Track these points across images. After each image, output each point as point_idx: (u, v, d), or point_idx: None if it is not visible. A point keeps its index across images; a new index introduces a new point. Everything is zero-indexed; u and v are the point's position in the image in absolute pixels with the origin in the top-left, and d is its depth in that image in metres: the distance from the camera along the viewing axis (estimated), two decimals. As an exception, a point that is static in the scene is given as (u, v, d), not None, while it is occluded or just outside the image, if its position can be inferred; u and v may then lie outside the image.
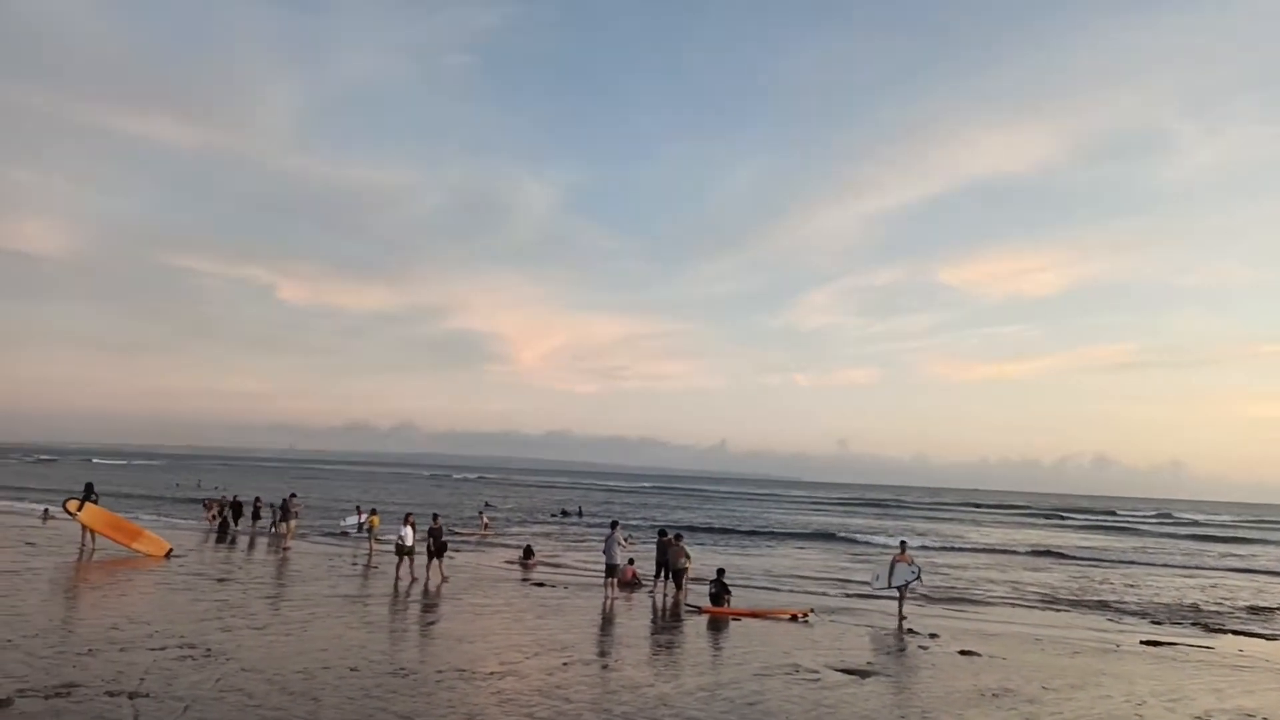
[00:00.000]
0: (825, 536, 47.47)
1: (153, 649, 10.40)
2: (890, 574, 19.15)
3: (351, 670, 9.99)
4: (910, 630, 16.32)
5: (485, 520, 40.61)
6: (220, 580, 17.74)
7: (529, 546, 27.87)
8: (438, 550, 20.52)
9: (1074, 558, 39.65)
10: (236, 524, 31.58)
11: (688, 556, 19.50)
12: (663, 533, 20.50)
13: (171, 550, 22.39)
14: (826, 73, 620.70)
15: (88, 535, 22.16)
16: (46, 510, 34.43)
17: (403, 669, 10.25)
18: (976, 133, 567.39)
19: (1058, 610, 21.88)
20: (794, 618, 17.16)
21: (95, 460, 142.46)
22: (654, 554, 20.48)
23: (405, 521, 20.93)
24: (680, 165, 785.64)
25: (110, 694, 8.28)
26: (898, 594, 18.85)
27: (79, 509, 22.10)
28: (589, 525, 46.69)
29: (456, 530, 37.39)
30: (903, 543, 20.58)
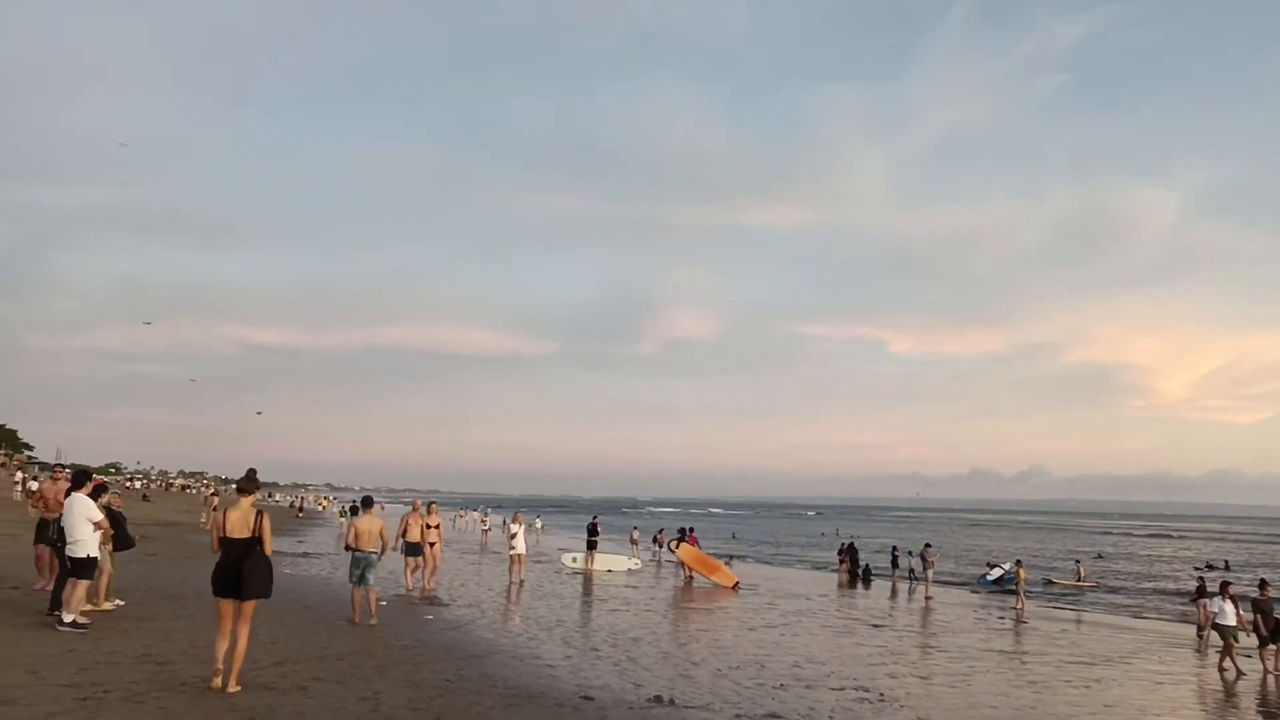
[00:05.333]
0: None
1: (833, 689, 11.27)
2: None
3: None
4: None
5: (1082, 571, 36.50)
6: (875, 626, 18.63)
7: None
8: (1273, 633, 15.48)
9: None
10: (855, 568, 33.05)
11: None
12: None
13: (738, 583, 25.65)
14: None
15: (683, 569, 26.79)
16: (730, 557, 40.18)
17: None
18: None
19: None
20: None
21: (712, 510, 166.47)
22: None
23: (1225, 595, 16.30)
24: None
25: (807, 727, 9.15)
26: None
27: (677, 547, 27.46)
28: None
29: (1054, 581, 34.55)
30: None
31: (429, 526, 18.67)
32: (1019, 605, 23.82)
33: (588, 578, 26.17)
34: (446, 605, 16.79)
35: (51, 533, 11.55)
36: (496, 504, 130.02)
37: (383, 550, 13.77)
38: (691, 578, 26.38)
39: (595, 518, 32.77)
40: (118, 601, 12.38)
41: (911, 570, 31.43)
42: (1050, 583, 34.45)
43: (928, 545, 30.08)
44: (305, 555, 27.13)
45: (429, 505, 19.60)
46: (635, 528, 44.28)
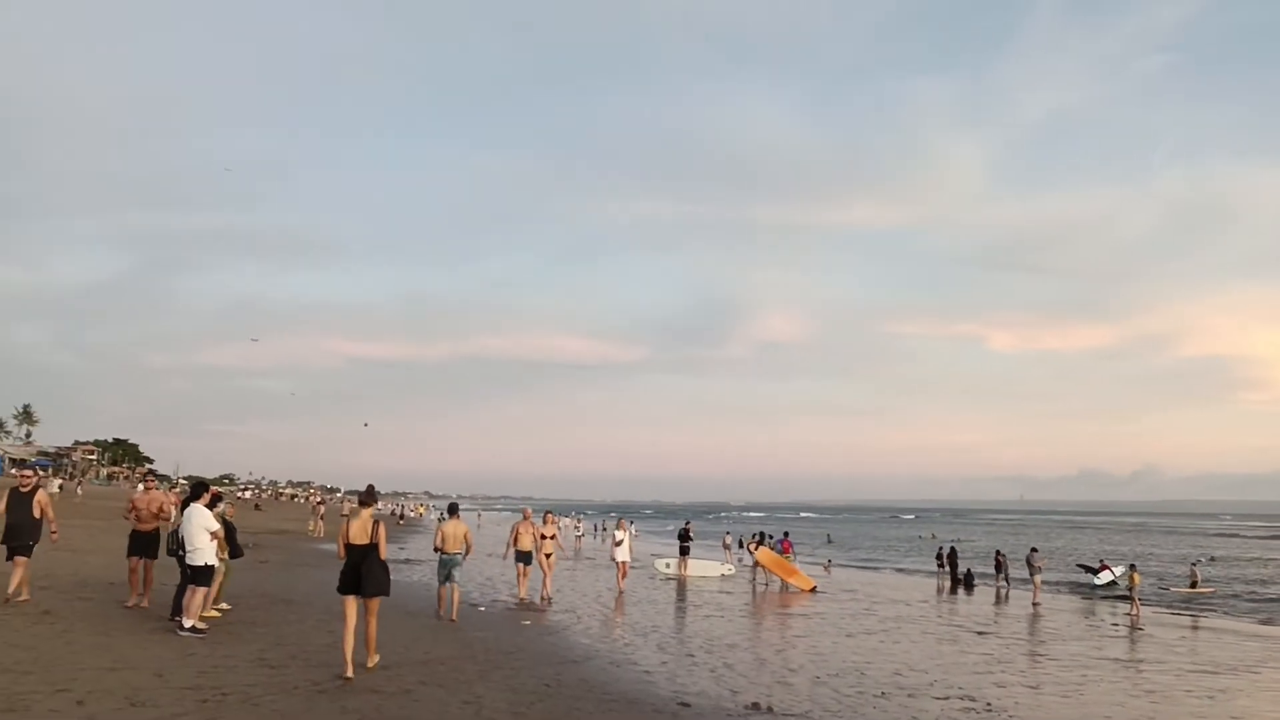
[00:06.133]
0: None
1: (937, 698, 10.96)
2: None
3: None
4: None
5: (1198, 575, 34.27)
6: (979, 633, 18.05)
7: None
8: None
9: None
10: (955, 574, 32.07)
11: None
12: None
13: (815, 587, 25.54)
14: None
15: (760, 572, 27.05)
16: (829, 560, 39.64)
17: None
18: None
19: None
20: None
21: (804, 514, 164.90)
22: None
23: None
24: None
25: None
26: None
27: (756, 549, 27.70)
28: None
29: (1169, 587, 32.52)
30: None
31: (543, 536, 18.38)
32: (1133, 611, 22.73)
33: (681, 583, 26.16)
34: (543, 611, 17.01)
35: (171, 543, 12.07)
36: (588, 510, 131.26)
37: (467, 552, 14.70)
38: (769, 581, 26.24)
39: (687, 523, 32.78)
40: (224, 606, 12.94)
41: (1007, 575, 30.38)
42: (1165, 589, 32.74)
43: (1034, 549, 28.99)
44: (407, 561, 27.87)
45: (544, 514, 19.32)
46: (727, 533, 44.10)
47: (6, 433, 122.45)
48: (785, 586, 25.74)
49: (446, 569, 14.52)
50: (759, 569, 27.29)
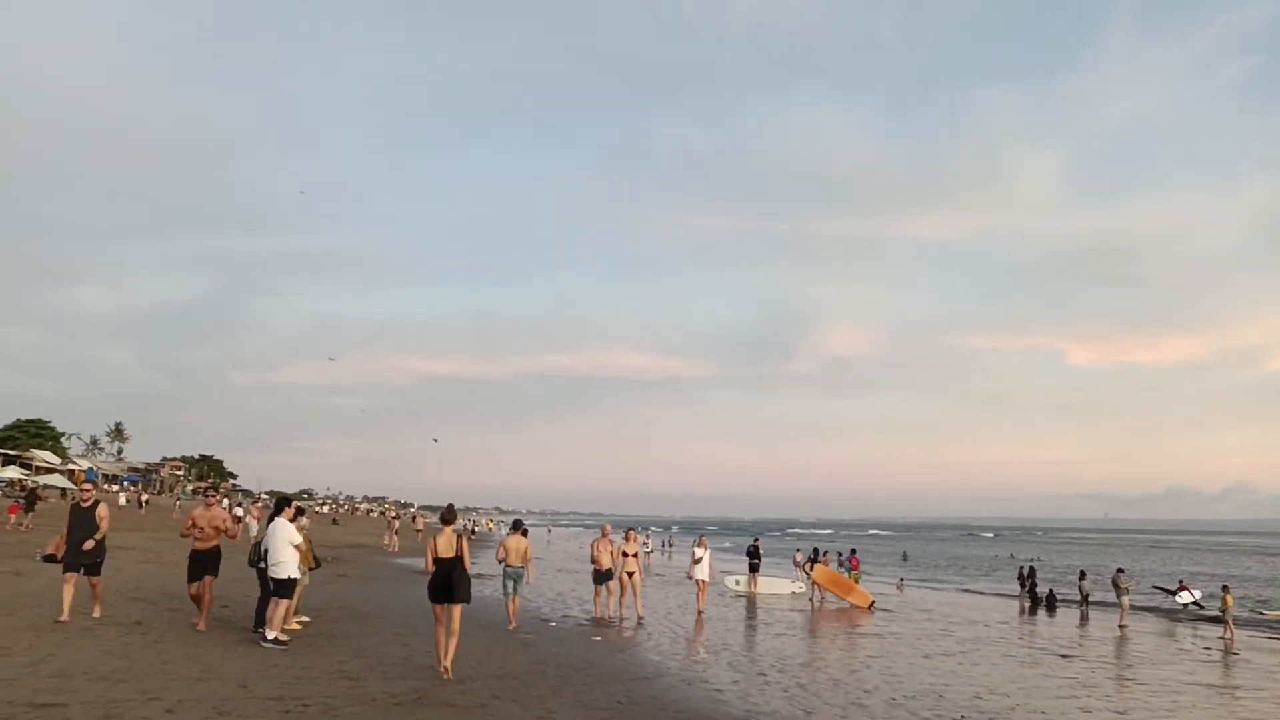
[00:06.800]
0: None
1: (1019, 722, 10.65)
2: None
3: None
4: None
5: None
6: (1063, 656, 17.45)
7: None
8: None
9: None
10: (1035, 594, 31.11)
11: None
12: None
13: (874, 603, 25.05)
14: None
15: (816, 589, 26.03)
16: (901, 579, 38.89)
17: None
18: None
19: None
20: None
21: (874, 531, 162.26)
22: None
23: None
24: None
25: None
26: None
27: (810, 567, 27.08)
28: None
29: (1263, 613, 30.63)
30: None
31: (625, 554, 17.90)
32: (1226, 635, 21.73)
33: (751, 600, 25.91)
34: (613, 627, 17.02)
35: (253, 554, 12.39)
36: (655, 526, 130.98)
37: (528, 566, 15.56)
38: (824, 598, 26.05)
39: (756, 539, 32.48)
40: (304, 619, 13.27)
41: (1087, 597, 29.46)
42: (1260, 612, 31.09)
43: (1120, 570, 27.97)
44: (478, 576, 28.17)
45: (626, 532, 18.84)
46: (798, 549, 43.53)
47: (100, 449, 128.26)
48: (843, 604, 25.39)
49: (510, 581, 15.43)
50: (815, 586, 27.10)
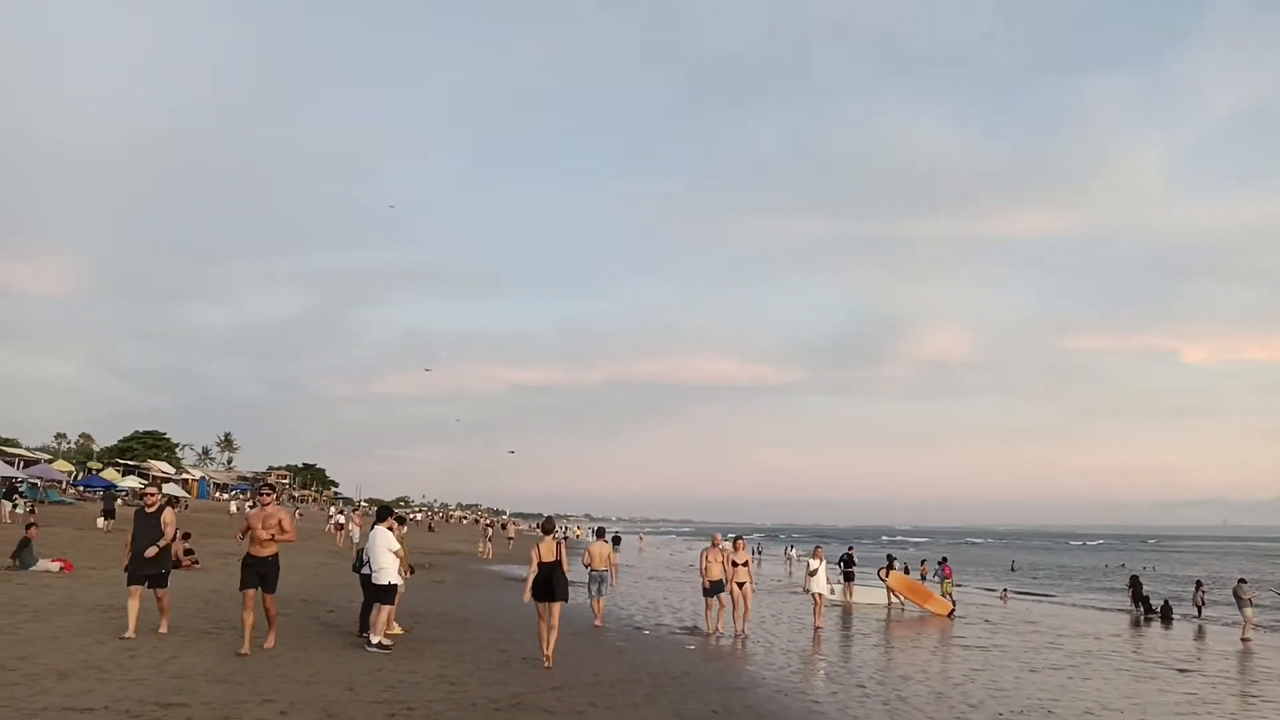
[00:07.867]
0: None
1: (1135, 741, 10.15)
2: None
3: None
4: None
5: None
6: (1181, 671, 16.59)
7: None
8: None
9: None
10: (1148, 604, 29.72)
11: None
12: None
13: (954, 611, 25.13)
14: None
15: (894, 596, 26.41)
16: (1005, 590, 37.60)
17: None
18: None
19: None
20: None
21: (970, 539, 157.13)
22: None
23: None
24: None
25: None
26: None
27: (887, 575, 27.20)
28: None
29: None
30: None
31: (735, 564, 16.98)
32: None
33: (847, 610, 25.46)
34: (706, 636, 16.92)
35: (356, 561, 12.74)
36: (746, 533, 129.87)
37: (612, 570, 17.09)
38: (904, 605, 25.88)
39: (850, 548, 31.91)
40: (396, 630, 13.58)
41: (1199, 606, 28.07)
42: None
43: (1241, 580, 26.43)
44: (570, 584, 28.47)
45: (734, 540, 17.91)
46: (893, 558, 42.53)
47: (211, 459, 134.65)
48: (923, 611, 24.91)
49: (595, 583, 17.02)
50: (893, 594, 26.58)
